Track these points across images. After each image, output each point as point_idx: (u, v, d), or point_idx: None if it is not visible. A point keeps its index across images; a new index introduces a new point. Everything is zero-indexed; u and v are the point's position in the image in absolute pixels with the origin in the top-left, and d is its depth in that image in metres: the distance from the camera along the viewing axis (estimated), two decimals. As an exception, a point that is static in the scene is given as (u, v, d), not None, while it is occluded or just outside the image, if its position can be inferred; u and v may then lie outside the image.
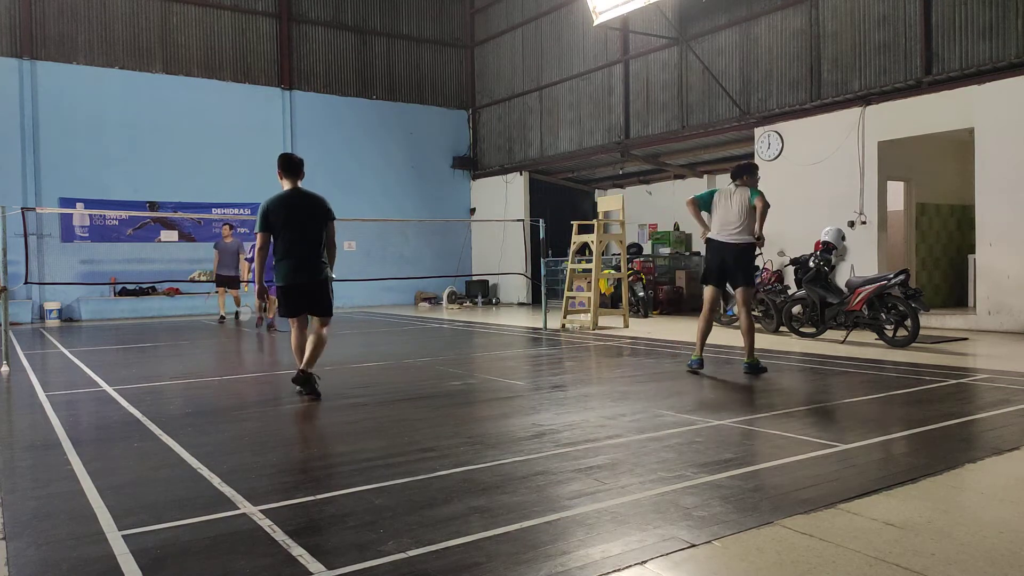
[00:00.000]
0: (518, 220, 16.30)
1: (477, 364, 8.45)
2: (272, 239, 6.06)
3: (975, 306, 11.14)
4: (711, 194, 7.13)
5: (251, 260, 13.59)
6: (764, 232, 6.88)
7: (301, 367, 6.05)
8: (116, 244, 16.31)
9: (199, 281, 14.38)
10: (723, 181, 17.08)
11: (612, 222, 14.67)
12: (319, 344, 6.10)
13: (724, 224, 6.90)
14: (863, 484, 3.50)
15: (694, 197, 7.15)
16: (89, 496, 3.51)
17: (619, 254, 12.67)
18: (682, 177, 17.87)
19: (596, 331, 11.52)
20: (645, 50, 15.71)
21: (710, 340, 9.85)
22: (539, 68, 18.64)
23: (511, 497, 3.40)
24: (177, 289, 16.64)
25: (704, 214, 7.15)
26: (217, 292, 14.43)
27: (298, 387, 6.12)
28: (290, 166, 6.11)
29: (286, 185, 6.12)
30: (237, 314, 14.27)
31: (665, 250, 16.08)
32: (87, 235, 16.06)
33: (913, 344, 8.65)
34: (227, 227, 14.24)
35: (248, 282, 13.62)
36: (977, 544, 2.79)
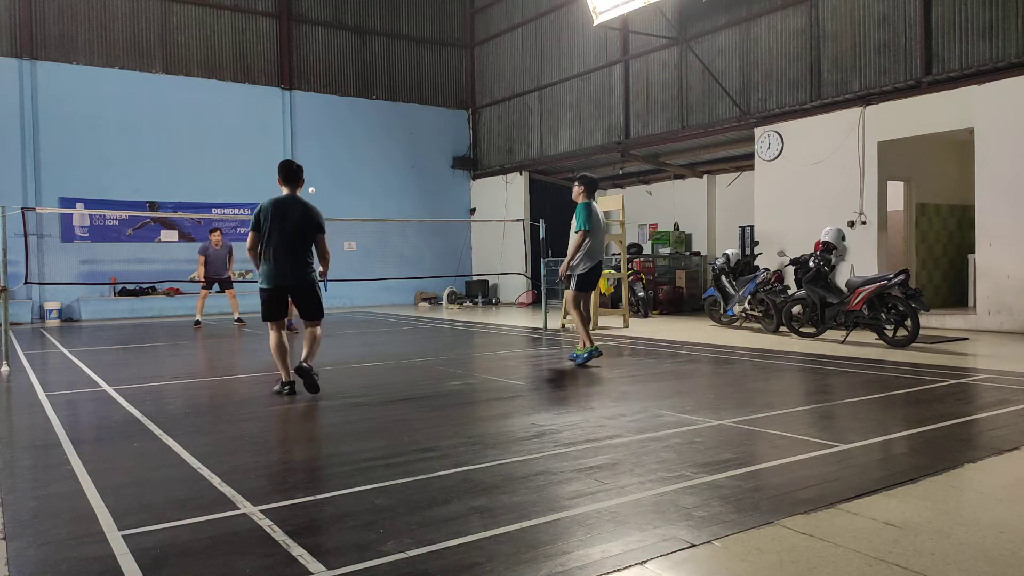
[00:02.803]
0: (518, 220, 16.29)
1: (477, 364, 8.44)
2: (261, 241, 6.17)
3: (975, 306, 11.13)
4: (591, 215, 7.53)
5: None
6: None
7: (302, 359, 6.12)
8: (116, 244, 16.29)
9: (198, 281, 14.10)
10: (723, 181, 17.16)
11: (612, 222, 14.66)
12: (314, 340, 6.26)
13: (601, 244, 7.71)
14: (863, 484, 3.50)
15: (584, 229, 7.45)
16: (89, 496, 3.51)
17: (619, 254, 12.66)
18: (682, 177, 17.85)
19: (596, 331, 11.51)
20: (645, 50, 15.70)
21: (710, 340, 9.92)
22: (539, 68, 18.63)
23: (511, 497, 3.40)
24: (177, 289, 16.63)
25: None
26: (201, 294, 13.63)
27: (285, 389, 6.20)
28: (289, 174, 6.27)
29: (285, 191, 6.28)
30: (240, 319, 13.66)
31: (665, 250, 16.08)
32: (87, 235, 16.05)
33: (913, 344, 8.65)
34: (217, 233, 13.16)
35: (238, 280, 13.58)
36: (977, 544, 2.79)
